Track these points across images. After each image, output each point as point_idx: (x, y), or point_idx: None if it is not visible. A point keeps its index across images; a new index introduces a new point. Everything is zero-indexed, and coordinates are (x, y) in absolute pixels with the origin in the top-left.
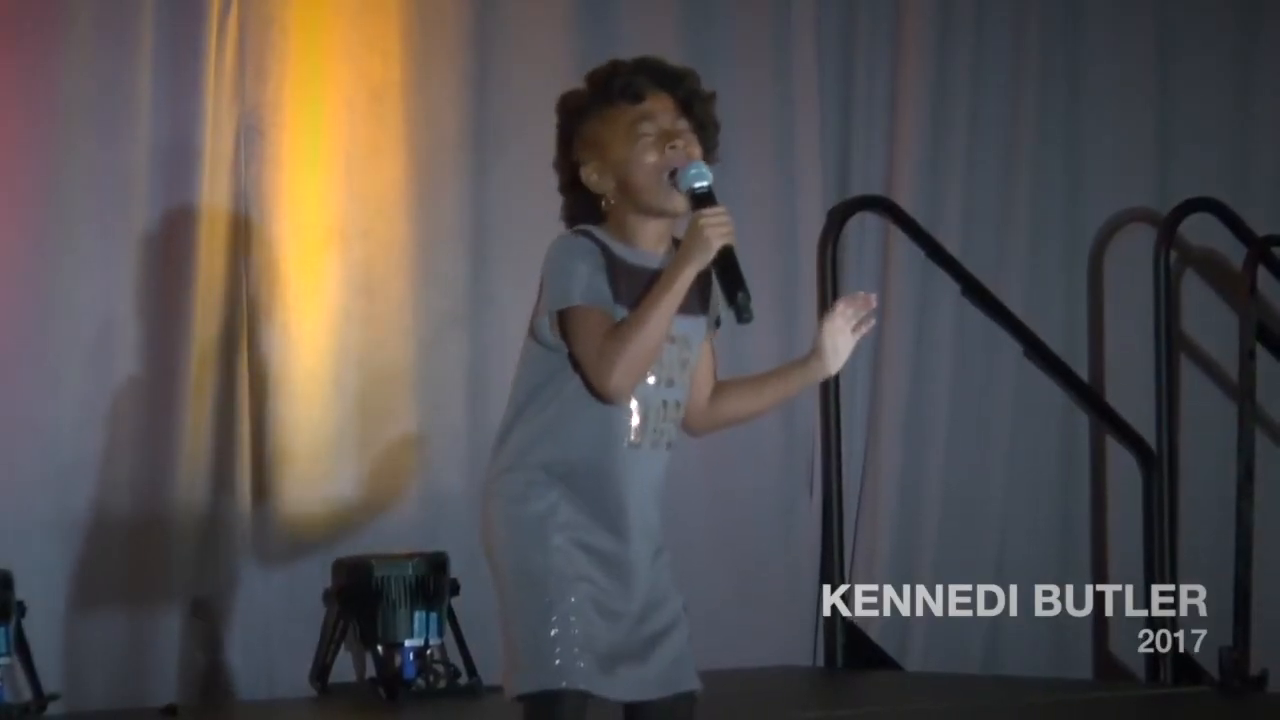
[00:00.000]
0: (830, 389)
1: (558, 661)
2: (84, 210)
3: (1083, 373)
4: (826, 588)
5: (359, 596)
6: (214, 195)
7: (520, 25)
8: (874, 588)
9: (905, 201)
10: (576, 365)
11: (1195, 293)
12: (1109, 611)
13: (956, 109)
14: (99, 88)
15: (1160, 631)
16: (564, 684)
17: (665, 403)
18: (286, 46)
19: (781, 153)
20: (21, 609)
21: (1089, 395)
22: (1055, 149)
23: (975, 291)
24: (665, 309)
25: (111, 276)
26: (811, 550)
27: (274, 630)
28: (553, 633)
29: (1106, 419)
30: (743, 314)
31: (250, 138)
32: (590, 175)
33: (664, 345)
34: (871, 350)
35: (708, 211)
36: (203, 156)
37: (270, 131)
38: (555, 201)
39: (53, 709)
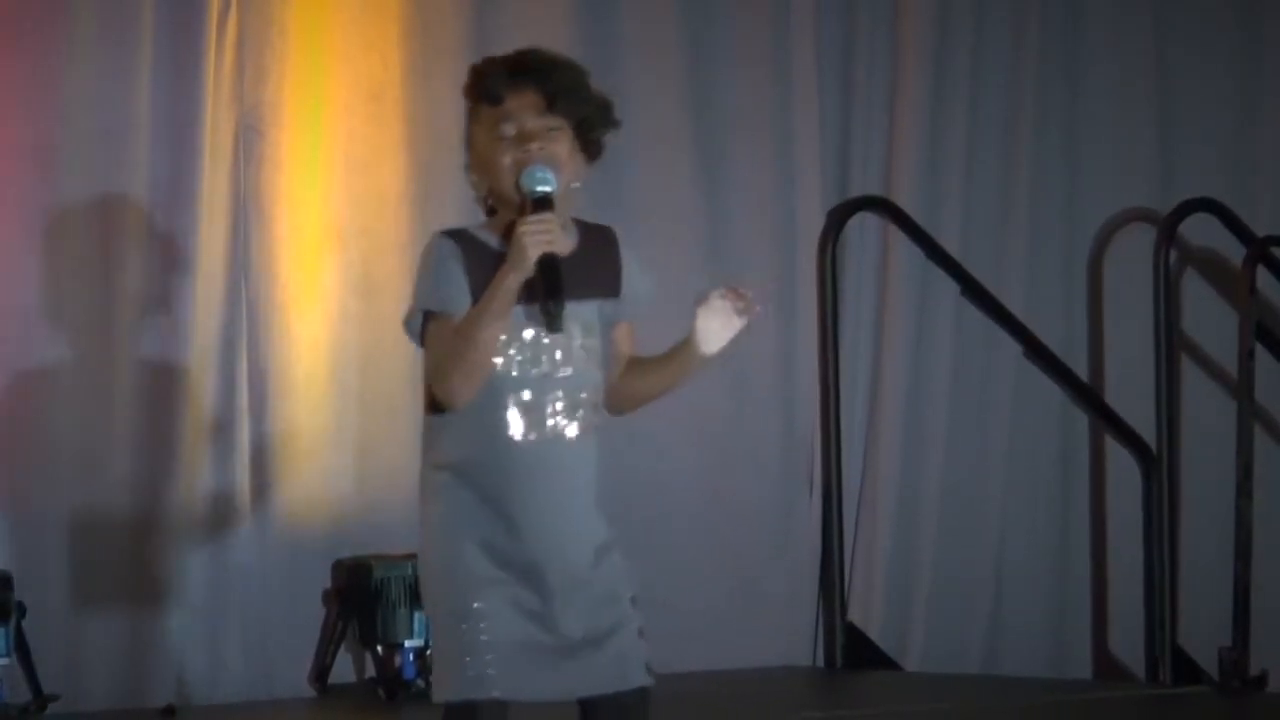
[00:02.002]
0: (829, 388)
1: (470, 672)
2: (83, 210)
3: (1082, 373)
4: (826, 588)
5: (359, 597)
6: (213, 195)
7: (519, 27)
8: (873, 588)
9: (905, 202)
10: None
11: (1195, 293)
12: (1109, 611)
13: (956, 109)
14: (98, 87)
15: (1160, 631)
16: (475, 694)
17: (560, 393)
18: (286, 47)
19: (781, 153)
20: (21, 609)
21: (1088, 395)
22: (1055, 149)
23: (975, 292)
24: (490, 318)
25: (110, 276)
26: (811, 551)
27: (273, 631)
28: (464, 640)
29: (1106, 419)
30: (552, 324)
31: (249, 138)
32: (471, 175)
33: (548, 339)
34: (871, 351)
35: (529, 219)
36: (202, 156)
37: (270, 132)
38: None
39: (52, 710)
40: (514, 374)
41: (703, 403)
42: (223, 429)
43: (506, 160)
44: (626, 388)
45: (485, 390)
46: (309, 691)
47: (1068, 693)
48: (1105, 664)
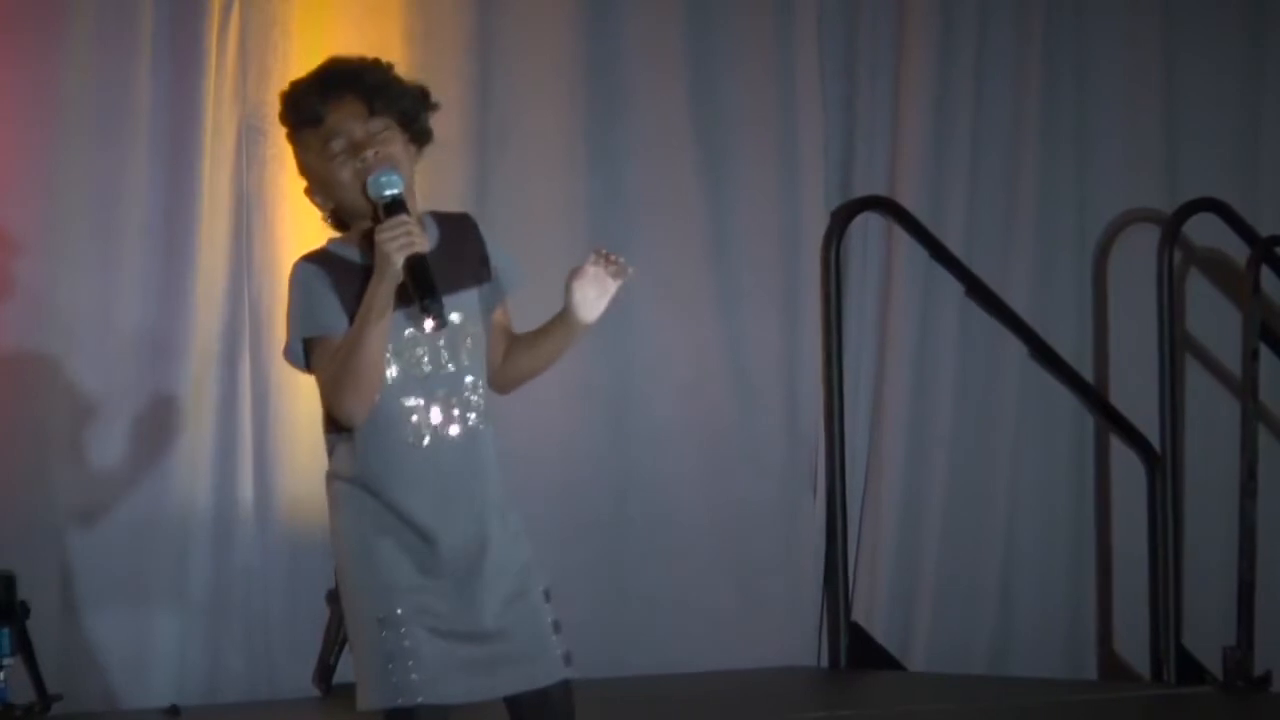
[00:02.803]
0: (833, 389)
1: (394, 678)
2: (84, 210)
3: (1087, 373)
4: (830, 588)
5: None
6: (215, 195)
7: (522, 27)
8: (878, 588)
9: (909, 202)
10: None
11: (1199, 293)
12: (1113, 611)
13: (960, 109)
14: (99, 87)
15: (1164, 631)
16: (400, 700)
17: (452, 389)
18: (289, 47)
19: (784, 153)
20: (25, 610)
21: (1093, 395)
22: (1059, 149)
23: (979, 292)
24: (372, 331)
25: (112, 277)
26: (815, 551)
27: (275, 631)
28: (386, 647)
29: (1110, 419)
30: (435, 320)
31: (252, 138)
32: (314, 198)
33: (421, 338)
34: (875, 350)
35: (385, 224)
36: (203, 157)
37: (272, 132)
38: (556, 204)
39: (56, 710)
40: (399, 380)
41: (706, 403)
42: (225, 428)
43: (346, 175)
44: (511, 367)
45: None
46: (312, 692)
47: (1072, 693)
48: (1110, 664)
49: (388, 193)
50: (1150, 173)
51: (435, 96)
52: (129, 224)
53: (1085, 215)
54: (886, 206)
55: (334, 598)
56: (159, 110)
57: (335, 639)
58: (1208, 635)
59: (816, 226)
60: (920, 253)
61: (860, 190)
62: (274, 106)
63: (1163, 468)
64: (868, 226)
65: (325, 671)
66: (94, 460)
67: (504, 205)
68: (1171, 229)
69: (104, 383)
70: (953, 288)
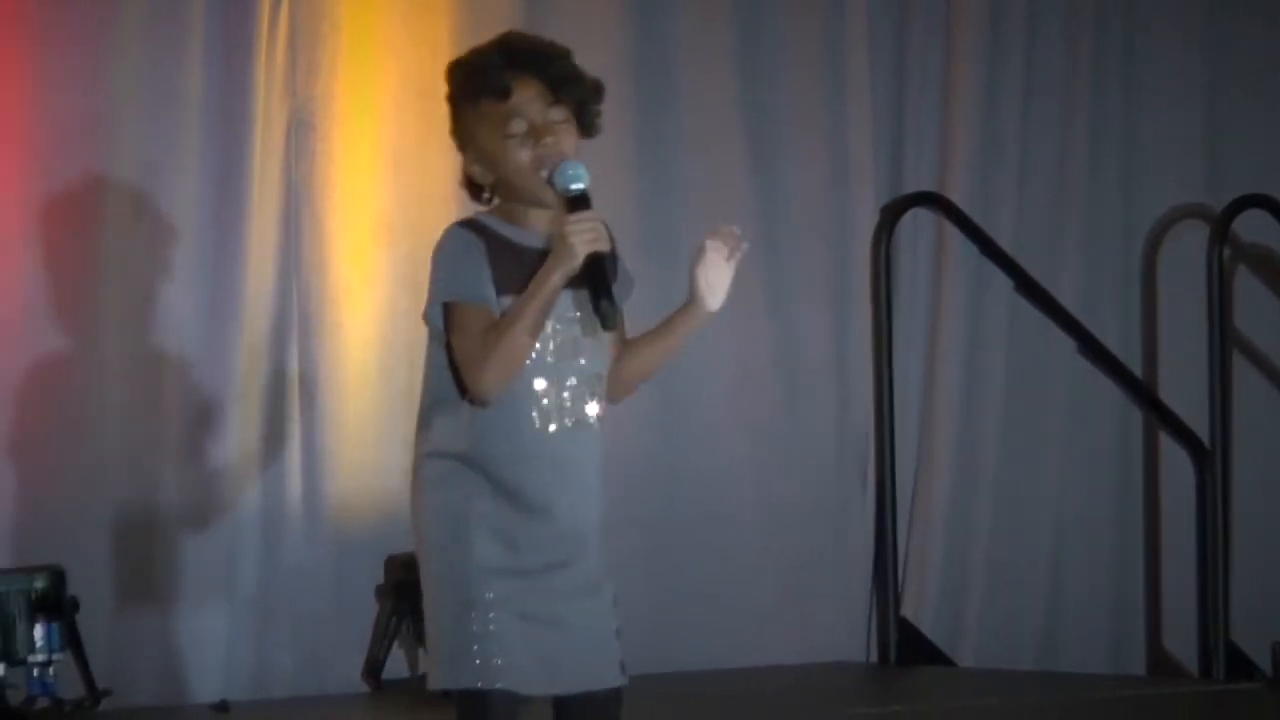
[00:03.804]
0: (884, 384)
1: (476, 660)
2: (133, 205)
3: (1136, 369)
4: (879, 584)
5: (413, 592)
6: (264, 189)
7: (570, 23)
8: (927, 583)
9: (958, 198)
10: (452, 360)
11: (1248, 289)
12: (1162, 607)
13: (1009, 104)
14: (149, 82)
15: (1213, 627)
16: (480, 683)
17: (576, 380)
18: (338, 41)
19: (834, 149)
20: (74, 605)
21: (1142, 391)
22: (1108, 145)
23: (1028, 288)
24: (530, 317)
25: (161, 272)
26: (865, 546)
27: (323, 626)
28: (472, 629)
29: (1160, 415)
30: (605, 322)
31: (302, 132)
32: (471, 167)
33: (565, 324)
34: (925, 345)
35: (574, 218)
36: (253, 150)
37: (321, 126)
38: (606, 201)
39: (105, 705)
40: (533, 363)
41: (757, 399)
42: (273, 424)
43: (524, 157)
44: (625, 370)
45: None
46: (360, 687)
47: (1121, 688)
48: (1159, 659)
49: (574, 186)
50: (1199, 169)
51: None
52: (178, 218)
53: (1133, 211)
54: (936, 202)
55: (383, 593)
56: (209, 104)
57: (385, 634)
58: (1257, 631)
59: (867, 223)
60: (970, 248)
61: (910, 187)
62: (323, 100)
63: (1212, 463)
64: (917, 223)
65: (375, 667)
66: (143, 456)
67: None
68: (1221, 225)
69: (152, 379)
70: (1002, 283)
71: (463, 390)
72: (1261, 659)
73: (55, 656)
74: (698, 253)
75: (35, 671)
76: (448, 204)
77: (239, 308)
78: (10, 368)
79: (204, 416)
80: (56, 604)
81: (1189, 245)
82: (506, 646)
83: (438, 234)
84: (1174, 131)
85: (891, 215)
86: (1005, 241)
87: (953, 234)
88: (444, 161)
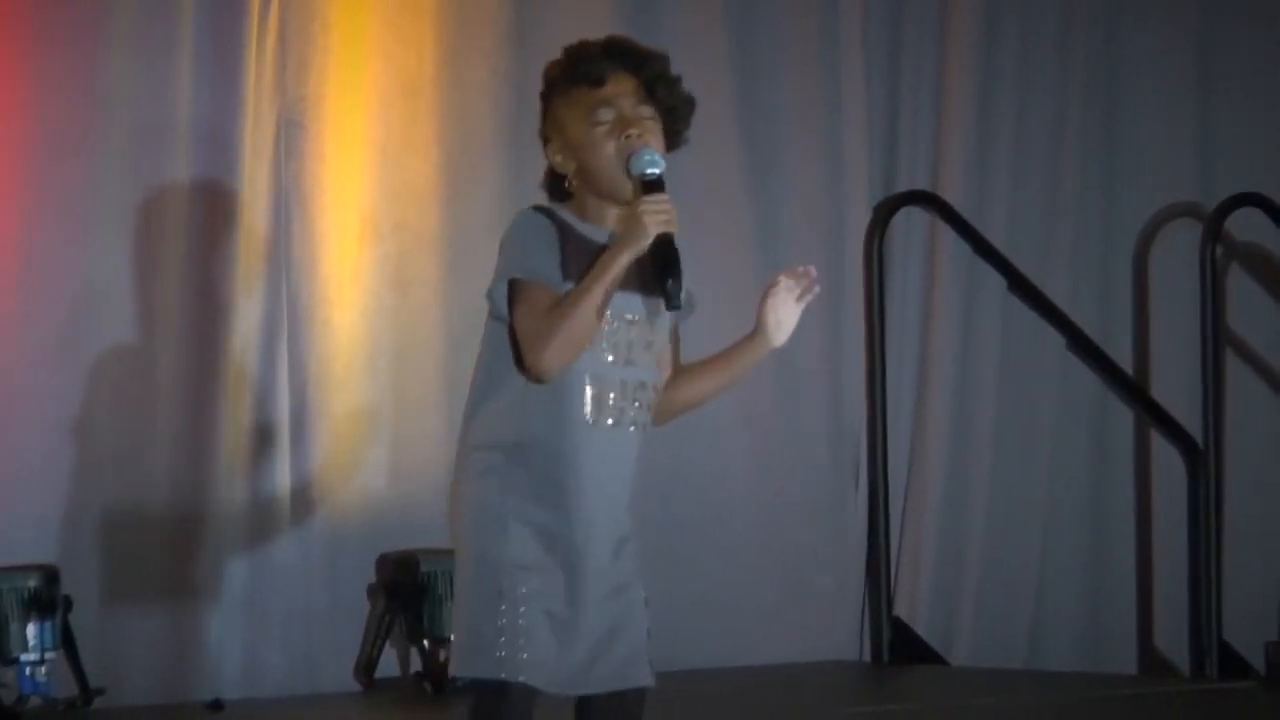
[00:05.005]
0: (876, 383)
1: (501, 653)
2: (124, 204)
3: (1128, 368)
4: (872, 583)
5: (405, 591)
6: (254, 188)
7: (558, 23)
8: (920, 583)
9: (951, 197)
10: (513, 339)
11: (1240, 288)
12: (1154, 606)
13: (1003, 104)
14: (139, 81)
15: (1205, 626)
16: (503, 675)
17: (625, 382)
18: (328, 41)
19: (828, 148)
20: (68, 604)
21: (1134, 390)
22: (1101, 144)
23: (1021, 286)
24: (598, 294)
25: (151, 271)
26: (858, 546)
27: (315, 625)
28: (500, 621)
29: (1152, 414)
30: (670, 301)
31: (291, 131)
32: (554, 155)
33: (622, 324)
34: (917, 345)
35: (649, 197)
36: (243, 150)
37: (311, 126)
38: None
39: (98, 703)
40: (588, 358)
41: (750, 397)
42: (264, 423)
43: (609, 146)
44: (678, 395)
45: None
46: (352, 686)
47: (1113, 687)
48: (1151, 659)
49: (650, 170)
50: (1191, 168)
51: (469, 89)
52: (167, 217)
53: (1126, 210)
54: (930, 201)
55: (375, 592)
56: (199, 104)
57: (377, 633)
58: (1250, 630)
59: (860, 222)
60: (963, 248)
61: (903, 185)
62: (313, 99)
63: (1204, 462)
64: (910, 221)
65: (367, 665)
66: (135, 456)
67: (536, 199)
68: (1213, 224)
69: (144, 378)
70: (995, 282)
71: (521, 368)
72: (1254, 659)
73: (48, 655)
74: (769, 288)
75: (28, 670)
76: (431, 204)
77: (229, 307)
78: None
79: (194, 415)
80: (49, 603)
81: (1181, 244)
82: (533, 642)
83: (421, 234)
84: (1166, 131)
85: (884, 214)
86: (998, 241)
87: (946, 233)
88: (429, 161)
